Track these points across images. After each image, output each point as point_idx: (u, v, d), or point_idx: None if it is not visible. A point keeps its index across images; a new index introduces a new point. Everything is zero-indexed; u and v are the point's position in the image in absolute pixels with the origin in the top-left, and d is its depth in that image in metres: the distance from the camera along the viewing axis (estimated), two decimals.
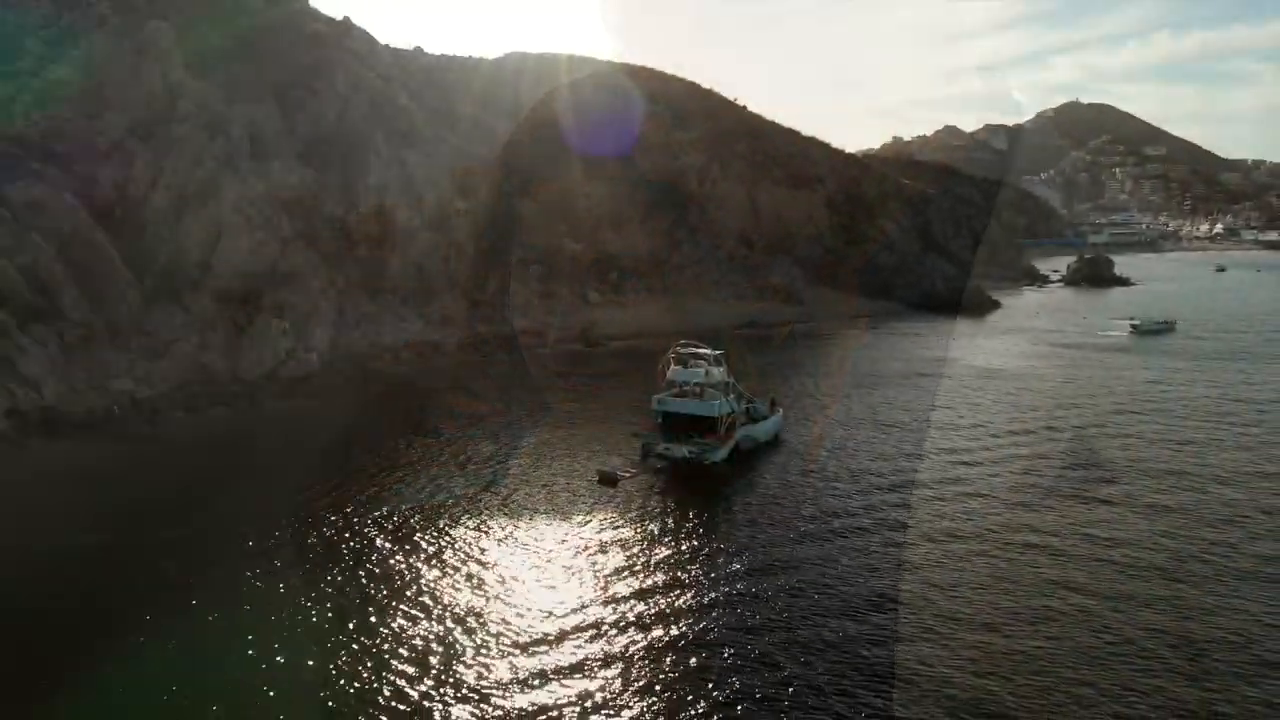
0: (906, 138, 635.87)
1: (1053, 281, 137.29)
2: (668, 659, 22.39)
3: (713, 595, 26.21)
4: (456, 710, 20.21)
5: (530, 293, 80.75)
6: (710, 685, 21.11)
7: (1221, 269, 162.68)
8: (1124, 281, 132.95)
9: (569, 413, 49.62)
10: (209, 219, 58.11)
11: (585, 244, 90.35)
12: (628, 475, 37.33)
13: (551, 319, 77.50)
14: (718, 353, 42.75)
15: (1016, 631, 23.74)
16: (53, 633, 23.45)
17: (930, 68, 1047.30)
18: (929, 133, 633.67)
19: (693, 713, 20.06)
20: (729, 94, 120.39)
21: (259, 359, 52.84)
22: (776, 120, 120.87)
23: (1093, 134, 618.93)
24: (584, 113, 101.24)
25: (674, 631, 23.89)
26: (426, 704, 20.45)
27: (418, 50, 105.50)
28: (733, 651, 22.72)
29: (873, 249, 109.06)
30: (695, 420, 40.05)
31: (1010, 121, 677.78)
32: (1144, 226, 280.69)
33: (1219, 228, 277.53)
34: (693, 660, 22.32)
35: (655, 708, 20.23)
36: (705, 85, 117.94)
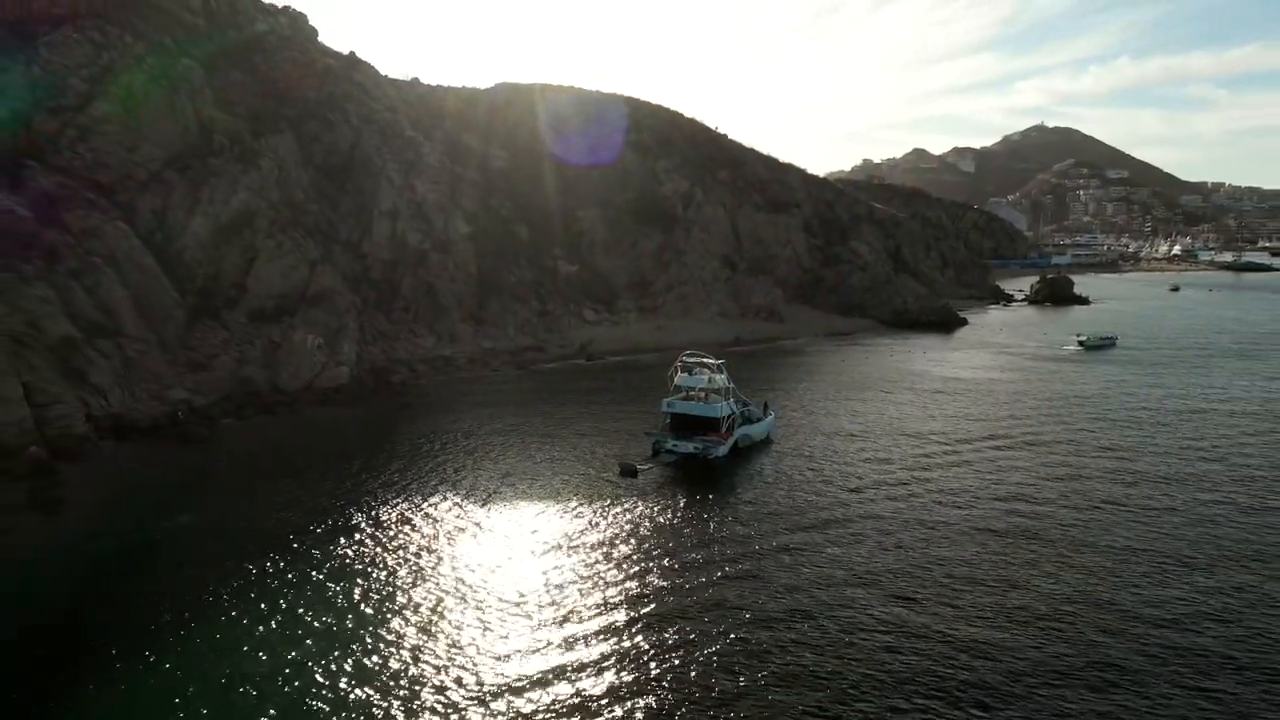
0: (877, 160, 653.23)
1: (1017, 300, 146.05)
2: (692, 606, 28.65)
3: (725, 560, 32.51)
4: (526, 657, 26.27)
5: (529, 311, 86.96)
6: (730, 625, 27.41)
7: (1175, 288, 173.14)
8: (1083, 300, 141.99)
9: (580, 417, 55.75)
10: (244, 245, 63.81)
11: (579, 266, 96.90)
12: (644, 468, 43.62)
13: (550, 336, 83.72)
14: (720, 362, 49.36)
15: (991, 585, 30.36)
16: (167, 584, 29.17)
17: (899, 91, 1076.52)
18: (898, 155, 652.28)
19: (716, 644, 26.32)
20: (709, 122, 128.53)
21: (296, 371, 58.47)
22: (754, 147, 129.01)
23: (1058, 157, 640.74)
24: (571, 135, 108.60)
25: (698, 585, 30.15)
26: (486, 664, 26.48)
27: (414, 81, 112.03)
28: (747, 607, 29.03)
29: (847, 270, 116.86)
30: (700, 421, 46.46)
31: (977, 145, 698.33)
32: (1105, 248, 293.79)
33: (1177, 249, 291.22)
34: (717, 608, 28.61)
35: (683, 644, 26.46)
36: (687, 115, 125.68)
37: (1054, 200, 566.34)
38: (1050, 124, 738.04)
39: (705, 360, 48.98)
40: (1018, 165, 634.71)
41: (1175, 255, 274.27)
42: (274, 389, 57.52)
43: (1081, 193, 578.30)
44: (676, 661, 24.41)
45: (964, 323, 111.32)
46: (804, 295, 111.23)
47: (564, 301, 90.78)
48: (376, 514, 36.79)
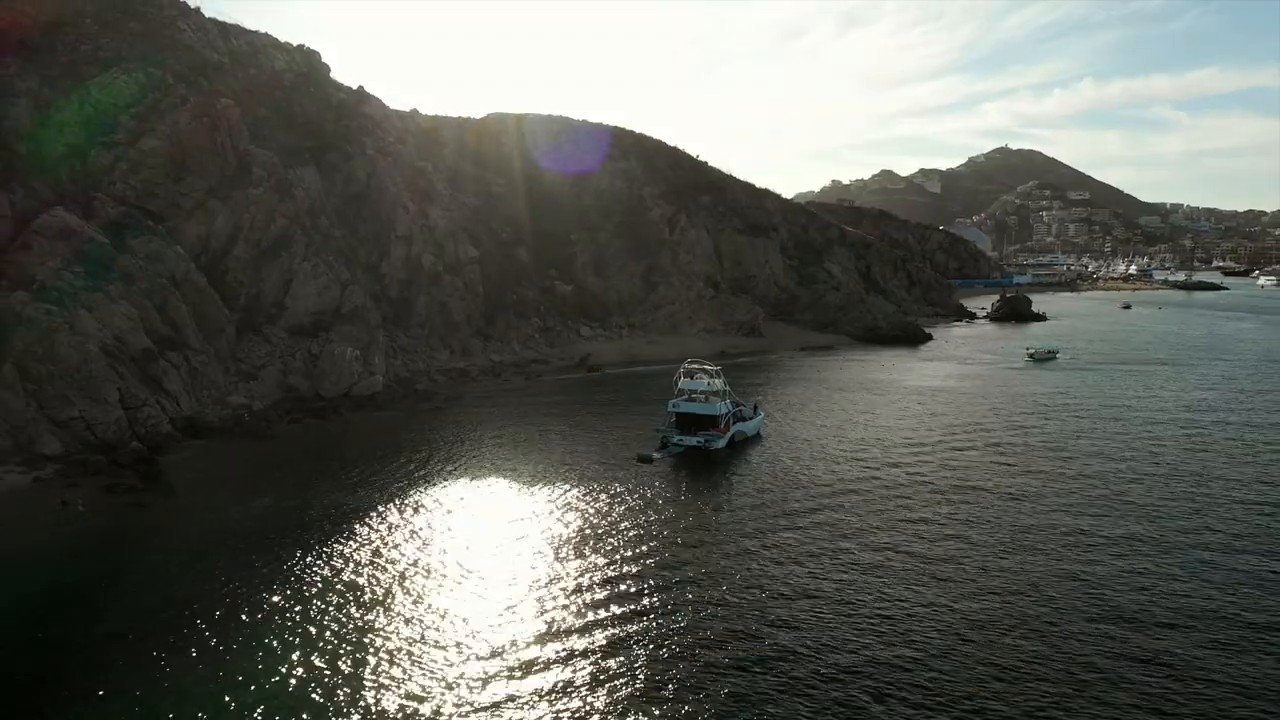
0: (845, 181, 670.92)
1: (979, 318, 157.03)
2: (705, 559, 37.16)
3: (725, 526, 41.08)
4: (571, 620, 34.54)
5: (532, 328, 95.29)
6: (739, 586, 35.93)
7: (1127, 306, 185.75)
8: (1040, 317, 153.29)
9: (592, 418, 64.06)
10: (282, 267, 71.56)
11: (574, 286, 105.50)
12: (657, 457, 52.11)
13: (552, 350, 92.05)
14: (717, 368, 58.13)
15: (946, 553, 39.24)
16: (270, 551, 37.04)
17: (866, 113, 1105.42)
18: (867, 176, 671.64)
19: (732, 599, 34.80)
20: (692, 150, 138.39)
21: (337, 380, 66.18)
22: (733, 173, 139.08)
23: (1022, 178, 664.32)
24: (559, 154, 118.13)
25: (707, 543, 38.68)
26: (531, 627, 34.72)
27: (414, 112, 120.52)
28: (751, 574, 37.62)
29: (822, 289, 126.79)
30: (702, 418, 55.06)
31: (944, 166, 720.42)
32: (1064, 268, 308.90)
33: (1133, 268, 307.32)
34: (724, 561, 37.14)
35: (697, 602, 34.91)
36: (670, 143, 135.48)
37: (1018, 221, 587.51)
38: (1015, 145, 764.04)
39: (706, 367, 57.79)
40: (983, 186, 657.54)
41: (1131, 275, 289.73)
42: (316, 396, 65.15)
43: (1044, 213, 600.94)
44: (693, 599, 32.87)
45: (929, 338, 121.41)
46: (782, 313, 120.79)
47: (562, 318, 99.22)
48: (435, 496, 44.79)
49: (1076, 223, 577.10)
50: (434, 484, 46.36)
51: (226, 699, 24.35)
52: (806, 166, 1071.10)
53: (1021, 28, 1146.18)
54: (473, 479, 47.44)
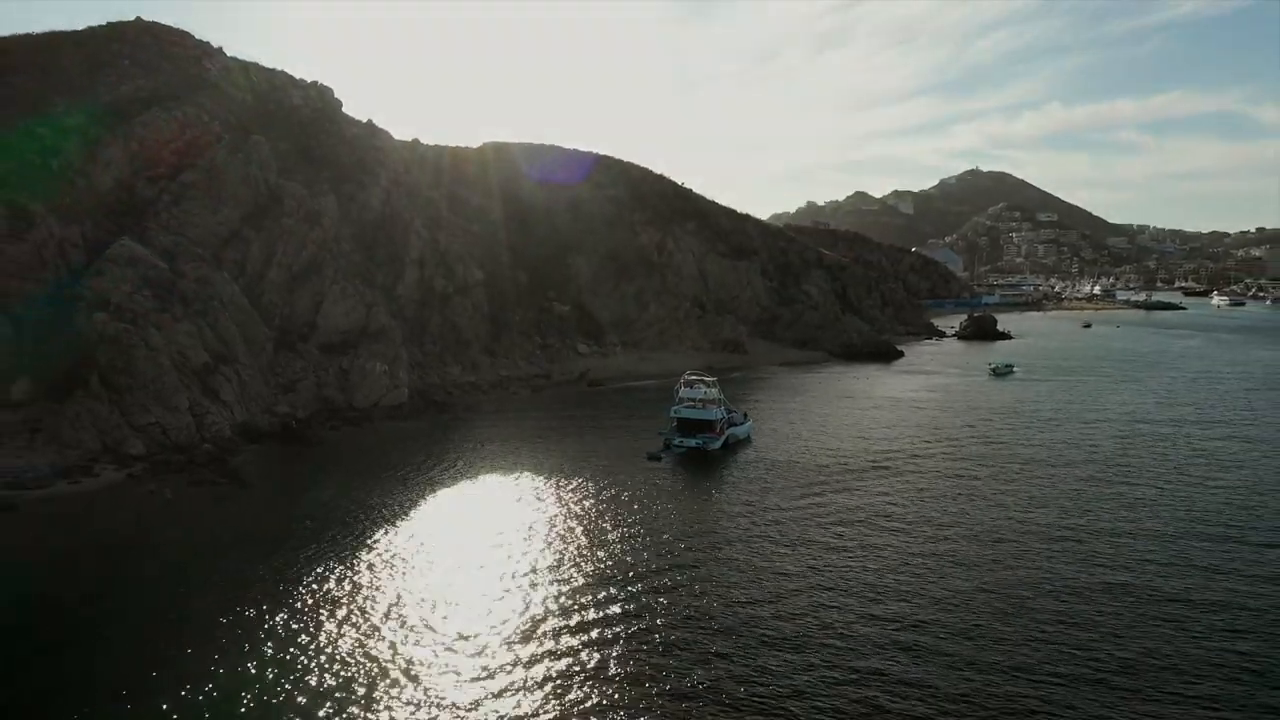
0: (820, 202, 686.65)
1: (948, 336, 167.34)
2: (709, 533, 45.54)
3: (722, 509, 49.51)
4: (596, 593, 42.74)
5: (533, 345, 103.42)
6: (733, 550, 44.33)
7: (1088, 325, 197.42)
8: (1006, 336, 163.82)
9: (599, 425, 72.18)
10: (313, 290, 79.24)
11: (570, 306, 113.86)
12: (663, 456, 60.47)
13: (553, 365, 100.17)
14: (714, 379, 66.72)
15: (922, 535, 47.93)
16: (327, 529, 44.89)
17: (840, 133, 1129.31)
18: (841, 198, 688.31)
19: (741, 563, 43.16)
20: (666, 168, 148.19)
21: (368, 393, 73.83)
22: (701, 192, 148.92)
23: (992, 200, 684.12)
24: (553, 182, 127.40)
25: (708, 521, 47.07)
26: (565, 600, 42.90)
27: (415, 141, 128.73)
28: (747, 550, 46.06)
29: (800, 309, 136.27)
30: (700, 423, 63.50)
31: (916, 187, 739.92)
32: (1031, 288, 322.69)
33: (1097, 289, 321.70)
34: (727, 548, 45.53)
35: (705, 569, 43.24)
36: (657, 171, 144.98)
37: (989, 242, 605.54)
38: (985, 168, 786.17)
39: (704, 378, 66.37)
40: (954, 208, 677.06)
41: (1095, 295, 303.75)
42: (349, 406, 72.71)
43: (1014, 235, 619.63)
44: (699, 568, 41.22)
45: (901, 354, 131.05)
46: (764, 331, 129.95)
47: (560, 336, 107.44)
48: (470, 491, 52.77)
49: (1045, 244, 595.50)
50: (467, 480, 54.30)
51: (307, 648, 32.27)
52: (781, 186, 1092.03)
53: (990, 51, 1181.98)
54: (502, 475, 55.41)
